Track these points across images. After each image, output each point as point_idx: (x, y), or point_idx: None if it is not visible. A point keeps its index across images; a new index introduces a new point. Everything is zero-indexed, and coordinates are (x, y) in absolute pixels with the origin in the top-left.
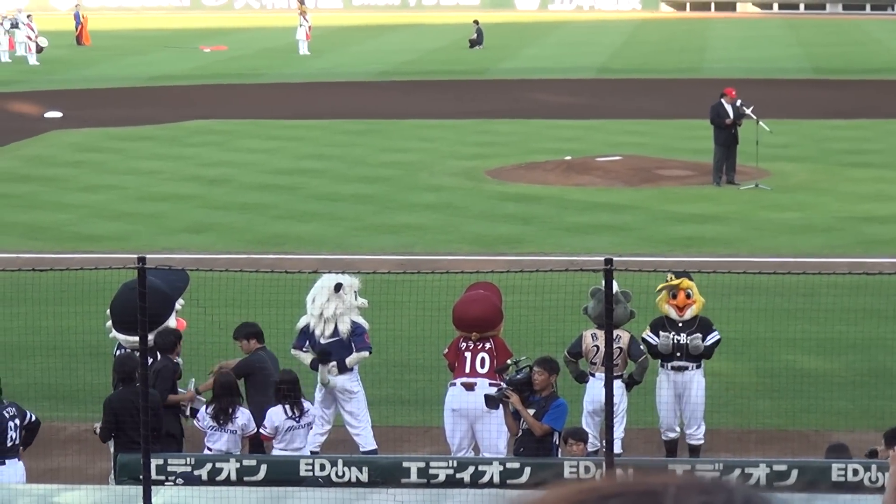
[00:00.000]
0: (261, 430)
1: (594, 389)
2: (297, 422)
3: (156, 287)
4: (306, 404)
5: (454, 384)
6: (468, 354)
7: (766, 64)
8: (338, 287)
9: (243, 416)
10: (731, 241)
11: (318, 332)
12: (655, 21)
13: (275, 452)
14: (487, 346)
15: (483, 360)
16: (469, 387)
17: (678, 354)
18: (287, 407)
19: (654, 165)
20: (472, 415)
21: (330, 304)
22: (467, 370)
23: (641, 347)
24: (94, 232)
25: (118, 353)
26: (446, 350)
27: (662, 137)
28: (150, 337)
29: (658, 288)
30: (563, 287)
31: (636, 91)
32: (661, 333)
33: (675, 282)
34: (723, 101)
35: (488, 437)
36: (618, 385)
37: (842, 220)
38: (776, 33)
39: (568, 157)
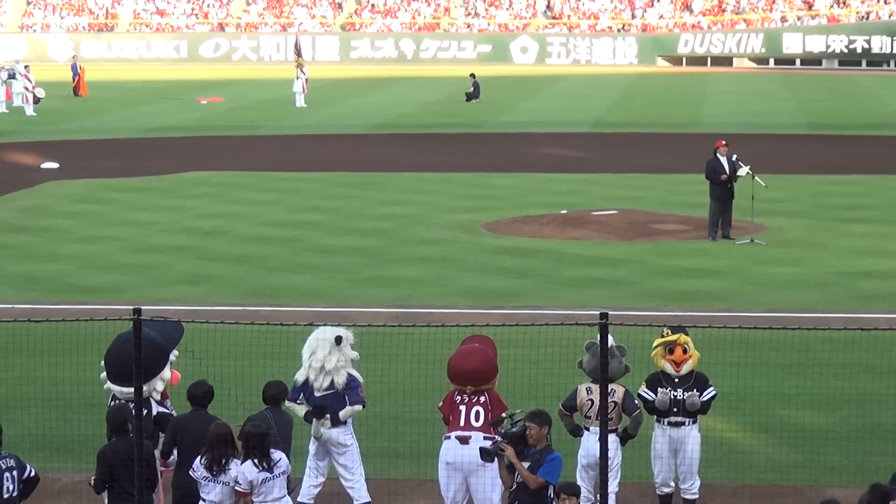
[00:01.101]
0: (236, 489)
1: (589, 443)
2: (271, 472)
3: (150, 338)
4: (275, 454)
5: (449, 437)
6: (463, 408)
7: (761, 118)
8: (339, 340)
9: (237, 468)
10: (727, 296)
11: (315, 385)
12: (652, 75)
13: None
14: (482, 399)
15: (478, 413)
16: (463, 440)
17: (675, 410)
18: (256, 461)
19: (650, 220)
20: (466, 468)
21: (332, 357)
22: (462, 423)
23: (636, 402)
24: (89, 283)
25: (112, 403)
26: (441, 403)
27: (658, 191)
28: (145, 388)
29: (655, 344)
30: (558, 341)
31: (632, 145)
32: (660, 390)
33: (673, 337)
34: (718, 155)
35: (483, 491)
36: (612, 439)
37: (837, 276)
38: (772, 88)
39: (564, 211)
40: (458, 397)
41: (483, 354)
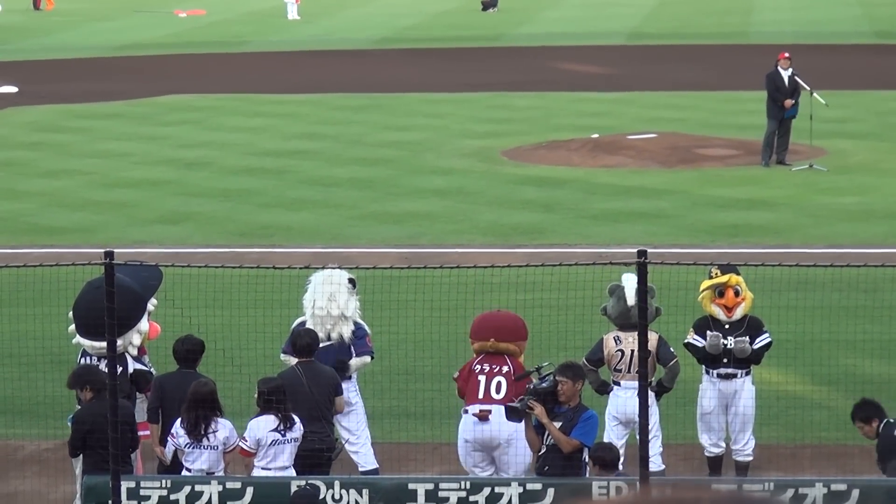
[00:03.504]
0: (240, 444)
1: (618, 400)
2: (283, 436)
3: (125, 285)
4: (295, 417)
5: (467, 412)
6: (482, 378)
7: (821, 27)
8: (353, 282)
9: (224, 428)
10: (782, 230)
11: (321, 335)
12: None
13: (255, 472)
14: (505, 368)
15: (499, 384)
16: (483, 417)
17: (725, 360)
18: (277, 417)
19: (694, 144)
20: (488, 447)
21: (340, 304)
22: (481, 395)
23: (671, 350)
24: (55, 223)
25: (82, 361)
26: (456, 374)
27: (703, 112)
28: (120, 343)
29: (702, 286)
30: (590, 283)
31: (673, 59)
32: (710, 333)
33: (723, 278)
34: (779, 68)
35: (509, 463)
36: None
37: None
38: None
39: (595, 135)
40: (478, 367)
41: (513, 314)
